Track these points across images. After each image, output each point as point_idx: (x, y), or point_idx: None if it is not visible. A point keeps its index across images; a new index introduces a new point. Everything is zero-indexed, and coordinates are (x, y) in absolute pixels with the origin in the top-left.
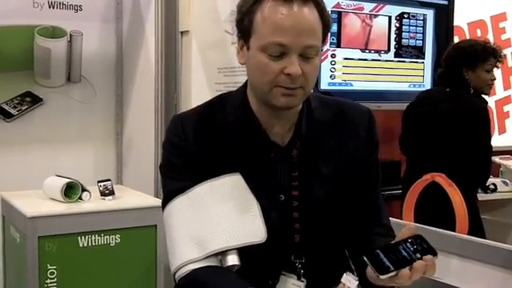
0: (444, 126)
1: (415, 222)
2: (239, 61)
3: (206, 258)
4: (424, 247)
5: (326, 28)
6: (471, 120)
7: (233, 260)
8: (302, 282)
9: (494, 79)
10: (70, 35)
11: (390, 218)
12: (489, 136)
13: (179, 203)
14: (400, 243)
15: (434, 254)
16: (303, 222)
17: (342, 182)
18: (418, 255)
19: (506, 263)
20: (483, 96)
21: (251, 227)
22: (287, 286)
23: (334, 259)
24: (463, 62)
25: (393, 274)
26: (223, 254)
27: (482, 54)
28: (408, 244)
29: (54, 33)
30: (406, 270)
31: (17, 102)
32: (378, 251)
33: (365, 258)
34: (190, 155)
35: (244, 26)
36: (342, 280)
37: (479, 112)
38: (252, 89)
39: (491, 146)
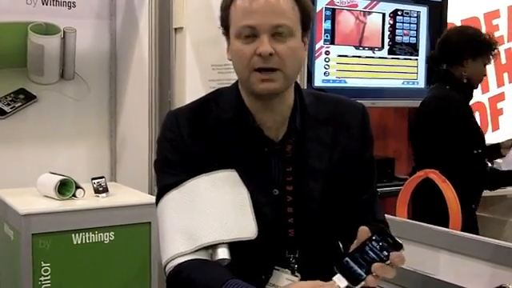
0: (424, 124)
1: (409, 218)
2: (228, 58)
3: (196, 251)
4: (390, 242)
5: (303, 13)
6: (443, 118)
7: (223, 254)
8: (296, 276)
9: (485, 75)
10: (64, 32)
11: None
12: (469, 133)
13: (172, 197)
14: (366, 243)
15: (400, 247)
16: (297, 217)
17: (336, 177)
18: (385, 253)
19: (498, 259)
20: (473, 92)
21: (242, 223)
22: (281, 280)
23: (328, 254)
24: (466, 50)
25: (364, 282)
26: (213, 247)
27: (488, 45)
28: (374, 243)
29: (47, 30)
30: (369, 277)
31: (10, 99)
32: (348, 259)
33: (336, 271)
34: (185, 151)
35: (223, 22)
36: (334, 278)
37: (449, 109)
38: (240, 82)
39: (478, 145)
